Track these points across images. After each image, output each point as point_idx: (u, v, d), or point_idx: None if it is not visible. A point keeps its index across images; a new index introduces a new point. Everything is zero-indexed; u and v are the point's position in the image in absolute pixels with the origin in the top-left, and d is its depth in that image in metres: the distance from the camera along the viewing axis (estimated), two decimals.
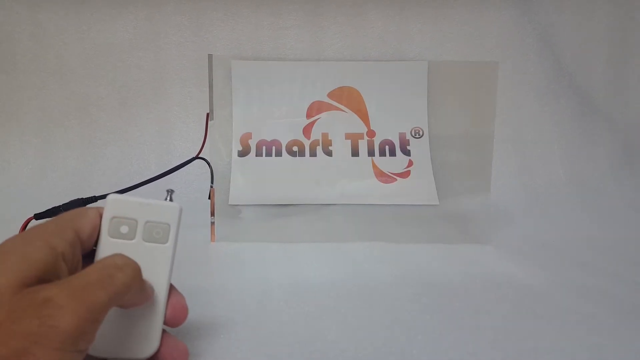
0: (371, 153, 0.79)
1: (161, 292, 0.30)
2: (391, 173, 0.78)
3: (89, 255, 0.30)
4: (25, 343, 0.21)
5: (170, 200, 0.32)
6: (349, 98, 0.81)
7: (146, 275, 0.30)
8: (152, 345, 0.30)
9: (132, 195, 0.31)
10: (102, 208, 0.31)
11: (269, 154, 0.78)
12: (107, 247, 0.30)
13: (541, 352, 0.36)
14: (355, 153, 0.79)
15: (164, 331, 0.31)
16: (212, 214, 0.61)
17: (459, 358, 0.35)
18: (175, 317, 0.31)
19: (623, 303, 0.46)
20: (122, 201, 0.31)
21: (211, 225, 0.61)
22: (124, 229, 0.30)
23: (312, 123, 0.80)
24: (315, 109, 0.80)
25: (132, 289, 0.27)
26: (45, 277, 0.25)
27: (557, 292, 0.48)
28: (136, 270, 0.27)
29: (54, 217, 0.29)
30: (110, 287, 0.25)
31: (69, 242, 0.27)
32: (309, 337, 0.38)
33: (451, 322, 0.41)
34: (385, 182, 0.77)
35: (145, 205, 0.31)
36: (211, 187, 0.61)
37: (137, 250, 0.30)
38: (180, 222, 0.32)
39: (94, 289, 0.24)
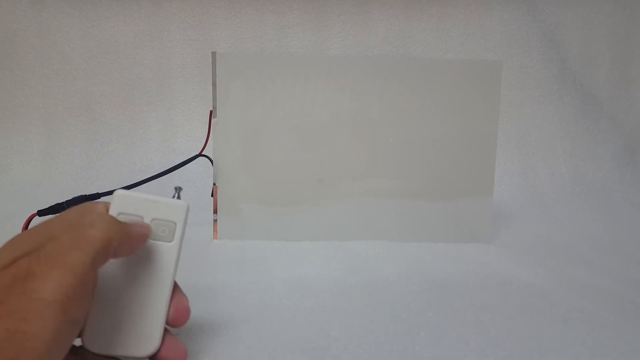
0: None
1: (164, 292, 0.30)
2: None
3: None
4: (15, 322, 0.20)
5: (178, 197, 0.32)
6: None
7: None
8: (153, 343, 0.30)
9: (139, 192, 0.31)
10: (109, 203, 0.30)
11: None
12: None
13: (544, 349, 0.36)
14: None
15: (165, 330, 0.30)
16: (215, 212, 0.61)
17: (462, 355, 0.35)
18: (177, 318, 0.31)
19: (625, 301, 0.46)
20: (129, 197, 0.30)
21: (214, 222, 0.61)
22: None
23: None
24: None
25: (112, 241, 0.25)
26: None
27: (560, 291, 0.48)
28: (109, 222, 0.26)
29: (61, 215, 0.28)
30: (86, 246, 0.24)
31: None
32: (312, 333, 0.38)
33: (454, 319, 0.41)
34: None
35: (152, 202, 0.30)
36: (214, 184, 0.61)
37: (141, 248, 0.30)
38: (187, 220, 0.31)
39: (70, 252, 0.23)
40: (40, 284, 0.21)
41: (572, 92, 0.87)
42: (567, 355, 0.36)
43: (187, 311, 0.31)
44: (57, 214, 0.29)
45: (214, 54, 0.59)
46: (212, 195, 0.61)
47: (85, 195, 0.61)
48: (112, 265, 0.29)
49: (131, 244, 0.28)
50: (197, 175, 0.78)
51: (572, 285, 0.49)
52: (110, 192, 0.60)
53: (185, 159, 0.63)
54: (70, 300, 0.22)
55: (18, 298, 0.21)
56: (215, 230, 0.61)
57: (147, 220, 0.30)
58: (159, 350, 0.30)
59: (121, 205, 0.30)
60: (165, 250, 0.30)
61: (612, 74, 0.88)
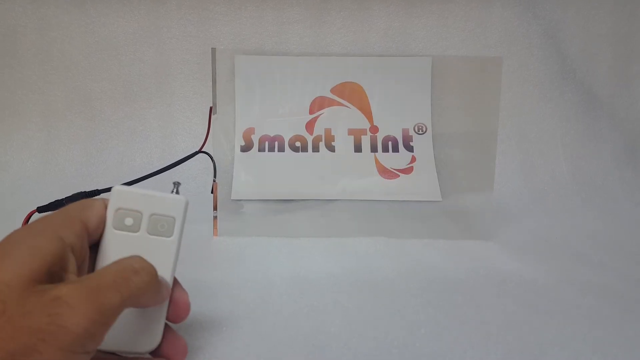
0: (374, 149, 0.79)
1: None
2: (394, 169, 0.78)
3: (95, 246, 0.30)
4: (33, 340, 0.21)
5: (177, 192, 0.32)
6: (351, 93, 0.80)
7: None
8: (153, 339, 0.30)
9: (137, 187, 0.31)
10: (108, 199, 0.30)
11: (271, 150, 0.78)
12: (111, 239, 0.30)
13: (544, 345, 0.36)
14: (358, 149, 0.79)
15: (165, 326, 0.30)
16: (215, 209, 0.61)
17: (462, 351, 0.35)
18: (177, 314, 0.31)
19: (626, 298, 0.46)
20: (127, 193, 0.30)
21: (214, 219, 0.61)
22: (129, 221, 0.30)
23: (315, 119, 0.80)
24: (318, 104, 0.80)
25: (147, 293, 0.26)
26: (54, 269, 0.24)
27: (560, 288, 0.48)
28: (152, 274, 0.27)
29: (60, 209, 0.28)
30: (124, 290, 0.24)
31: (76, 234, 0.27)
32: (312, 330, 0.38)
33: (454, 316, 0.41)
34: (388, 178, 0.77)
35: (151, 197, 0.30)
36: (214, 181, 0.61)
37: (141, 243, 0.30)
38: (186, 215, 0.31)
39: (108, 291, 0.24)
40: (69, 314, 0.22)
41: (573, 90, 0.87)
42: (568, 351, 0.36)
43: (187, 306, 0.31)
44: (56, 210, 0.29)
45: (213, 50, 0.59)
46: (212, 192, 0.61)
47: (84, 191, 0.61)
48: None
49: (153, 303, 0.28)
50: (196, 172, 0.78)
51: (572, 283, 0.49)
52: (109, 189, 0.59)
53: (185, 155, 0.63)
54: (89, 336, 0.23)
55: (42, 319, 0.22)
56: (215, 227, 0.61)
57: (145, 216, 0.30)
58: (159, 346, 0.30)
59: (119, 201, 0.30)
60: (165, 246, 0.30)
61: (613, 71, 0.88)
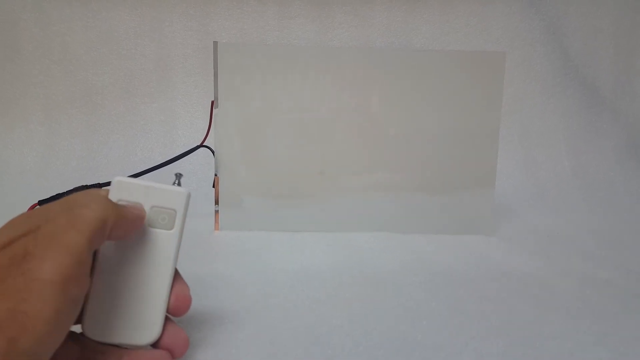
0: None
1: (165, 280, 0.30)
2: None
3: None
4: (14, 302, 0.21)
5: (179, 184, 0.31)
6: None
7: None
8: (153, 332, 0.29)
9: (138, 179, 0.30)
10: (109, 190, 0.30)
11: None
12: None
13: (545, 337, 0.36)
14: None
15: (166, 318, 0.30)
16: (216, 203, 0.61)
17: (463, 343, 0.35)
18: (178, 307, 0.30)
19: (626, 292, 0.46)
20: (127, 184, 0.30)
21: (215, 213, 0.61)
22: None
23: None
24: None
25: (108, 221, 0.25)
26: None
27: (562, 281, 0.47)
28: (103, 202, 0.26)
29: (59, 200, 0.28)
30: (82, 226, 0.24)
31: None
32: (314, 322, 0.37)
33: (456, 308, 0.40)
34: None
35: (152, 189, 0.30)
36: (215, 175, 0.61)
37: (141, 235, 0.30)
38: (188, 208, 0.31)
39: (66, 233, 0.23)
40: (38, 265, 0.22)
41: (575, 85, 0.87)
42: (569, 343, 0.35)
43: (188, 300, 0.31)
44: (57, 200, 0.28)
45: (215, 43, 0.59)
46: (213, 186, 0.61)
47: (86, 185, 0.61)
48: (112, 253, 0.29)
49: (127, 226, 0.28)
50: (198, 166, 0.77)
51: (573, 277, 0.49)
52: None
53: (187, 149, 0.63)
54: (69, 280, 0.22)
55: (16, 279, 0.21)
56: (216, 221, 0.61)
57: (146, 208, 0.30)
58: (160, 339, 0.30)
59: (119, 193, 0.29)
60: (166, 238, 0.30)
61: (615, 66, 0.88)
